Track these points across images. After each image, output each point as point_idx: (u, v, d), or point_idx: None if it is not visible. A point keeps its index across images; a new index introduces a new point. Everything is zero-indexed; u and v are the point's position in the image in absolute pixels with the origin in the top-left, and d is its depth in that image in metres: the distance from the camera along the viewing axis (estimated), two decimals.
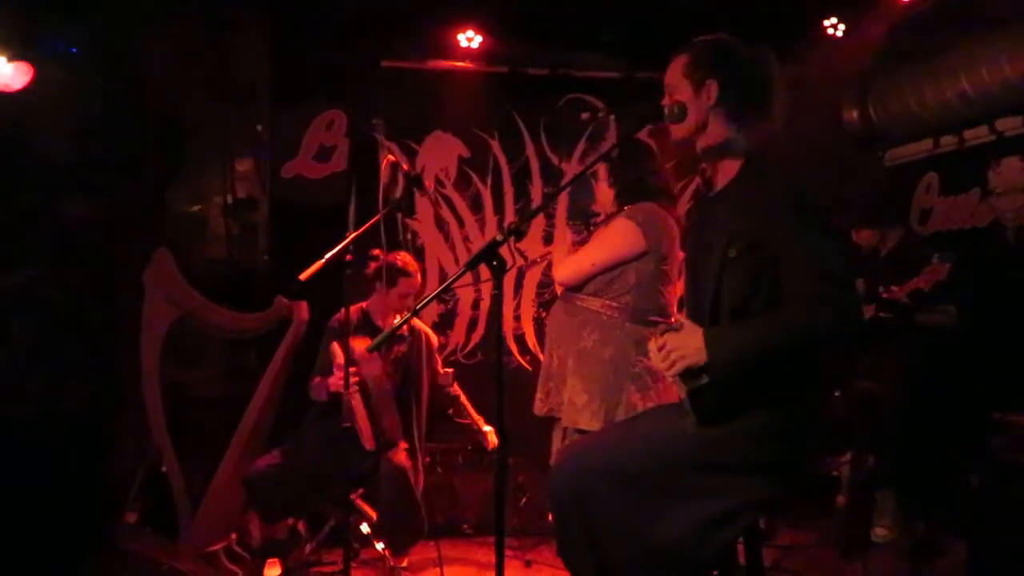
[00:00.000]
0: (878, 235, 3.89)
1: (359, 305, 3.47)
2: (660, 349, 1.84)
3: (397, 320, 3.41)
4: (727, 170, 1.99)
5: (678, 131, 2.01)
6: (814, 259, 1.75)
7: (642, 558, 1.85)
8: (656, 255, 2.77)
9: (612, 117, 2.84)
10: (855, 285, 1.79)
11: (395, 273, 3.39)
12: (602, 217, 2.96)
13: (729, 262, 1.86)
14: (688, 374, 1.80)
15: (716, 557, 1.94)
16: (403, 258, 3.43)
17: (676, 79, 2.00)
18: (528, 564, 3.49)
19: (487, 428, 3.59)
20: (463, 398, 3.66)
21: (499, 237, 1.89)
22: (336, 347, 3.25)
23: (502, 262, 1.89)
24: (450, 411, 3.65)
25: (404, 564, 3.31)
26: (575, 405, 2.73)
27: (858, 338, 1.87)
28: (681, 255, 2.85)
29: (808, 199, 1.83)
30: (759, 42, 2.00)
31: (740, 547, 2.08)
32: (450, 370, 3.67)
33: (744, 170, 1.95)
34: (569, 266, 2.85)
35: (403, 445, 3.34)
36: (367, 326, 3.45)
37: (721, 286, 1.87)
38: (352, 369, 3.05)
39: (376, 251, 3.34)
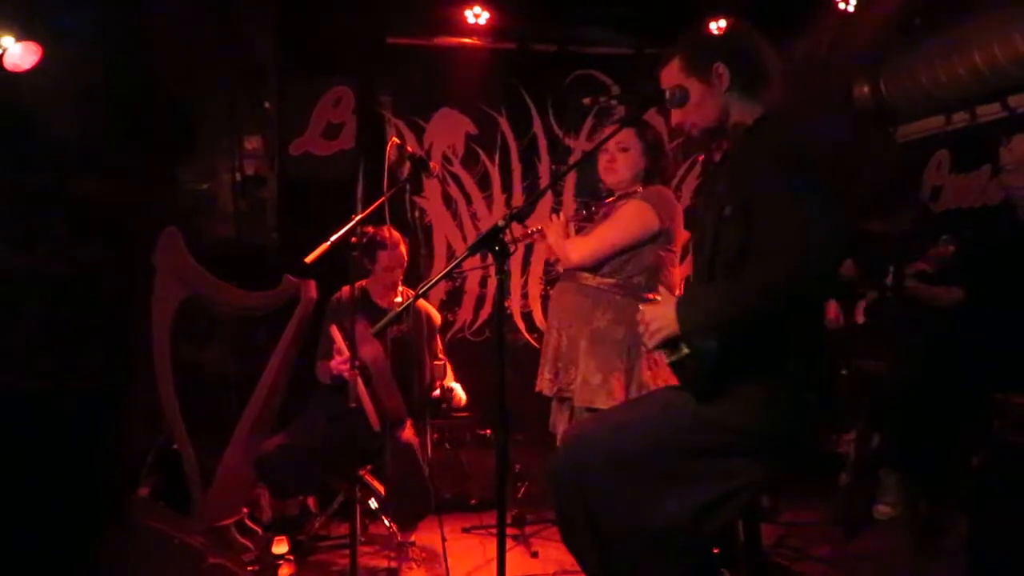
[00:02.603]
0: (888, 223, 3.85)
1: (358, 284, 3.47)
2: (639, 324, 1.87)
3: (398, 299, 3.42)
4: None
5: (700, 121, 2.00)
6: (788, 211, 1.72)
7: (642, 539, 1.88)
8: (668, 237, 2.79)
9: (614, 102, 2.82)
10: (829, 237, 1.71)
11: (374, 247, 3.37)
12: (616, 195, 2.94)
13: (723, 220, 1.87)
14: (669, 345, 1.82)
15: (716, 535, 1.98)
16: (383, 232, 3.35)
17: (678, 80, 1.99)
18: (534, 555, 3.47)
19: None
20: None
21: (501, 223, 1.90)
22: (334, 329, 3.28)
23: (504, 247, 1.90)
24: (443, 406, 3.53)
25: (411, 539, 3.36)
26: (590, 385, 2.75)
27: (825, 288, 1.84)
28: (685, 235, 2.87)
29: (801, 154, 1.80)
30: (761, 18, 2.01)
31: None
32: (440, 362, 3.57)
33: (746, 135, 1.95)
34: (587, 246, 2.84)
35: (410, 421, 3.38)
36: (366, 305, 3.46)
37: (717, 245, 1.89)
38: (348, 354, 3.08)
39: (366, 228, 3.29)
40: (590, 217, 3.06)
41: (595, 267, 2.82)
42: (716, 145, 2.05)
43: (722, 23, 1.98)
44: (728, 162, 2.01)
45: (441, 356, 3.68)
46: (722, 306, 1.78)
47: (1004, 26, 3.93)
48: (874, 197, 3.95)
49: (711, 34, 1.99)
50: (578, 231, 3.05)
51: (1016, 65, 3.92)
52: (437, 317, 3.71)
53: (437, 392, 3.48)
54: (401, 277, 3.51)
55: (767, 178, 1.79)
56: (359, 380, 2.97)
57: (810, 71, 4.74)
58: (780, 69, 1.98)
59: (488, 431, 4.21)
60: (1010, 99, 4.20)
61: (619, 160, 2.88)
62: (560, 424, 2.95)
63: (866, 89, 4.83)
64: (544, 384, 2.92)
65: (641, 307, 1.90)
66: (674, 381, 2.00)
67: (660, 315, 1.83)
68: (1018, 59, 3.89)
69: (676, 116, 2.05)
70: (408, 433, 3.31)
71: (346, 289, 3.45)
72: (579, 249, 2.85)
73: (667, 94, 1.98)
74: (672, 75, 2.01)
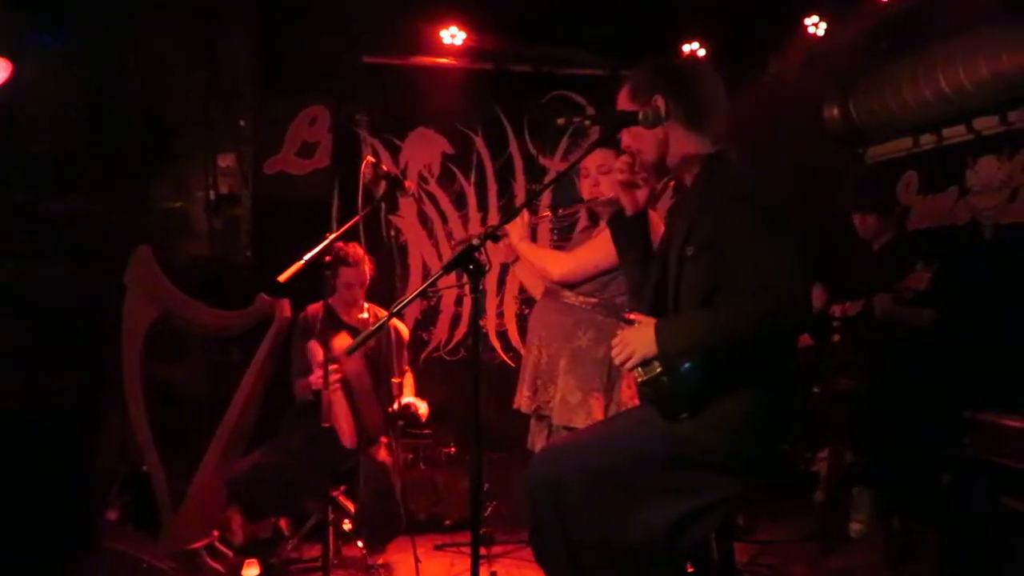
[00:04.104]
0: (881, 224, 3.86)
1: (324, 301, 3.43)
2: (616, 345, 1.90)
3: (363, 315, 3.40)
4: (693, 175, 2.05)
5: (647, 155, 2.08)
6: (761, 253, 1.79)
7: (617, 552, 1.89)
8: None
9: (587, 123, 2.85)
10: (802, 276, 1.81)
11: (337, 263, 3.35)
12: (587, 203, 2.94)
13: (686, 260, 1.92)
14: (644, 366, 1.86)
15: (690, 551, 1.98)
16: (347, 249, 3.35)
17: (626, 108, 2.06)
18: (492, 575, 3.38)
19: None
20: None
21: (475, 241, 1.90)
22: (314, 345, 3.26)
23: (479, 266, 1.90)
24: (400, 422, 3.42)
25: (380, 561, 3.32)
26: (568, 404, 2.74)
27: (802, 327, 1.94)
28: None
29: (760, 195, 1.87)
30: (733, 42, 2.06)
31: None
32: (396, 380, 3.50)
33: (701, 172, 2.01)
34: (568, 264, 2.83)
35: (384, 440, 3.35)
36: (332, 321, 3.42)
37: (680, 283, 1.94)
38: (334, 367, 3.06)
39: (336, 245, 3.29)
40: (562, 220, 3.04)
41: (575, 285, 2.83)
42: (686, 179, 2.08)
43: (669, 59, 2.03)
44: (686, 199, 2.05)
45: (406, 368, 3.65)
46: (705, 333, 1.83)
47: (969, 51, 4.02)
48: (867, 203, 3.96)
49: (653, 67, 2.06)
50: (557, 239, 3.04)
51: (981, 89, 4.02)
52: (405, 332, 3.69)
53: (395, 407, 3.44)
54: (362, 295, 3.49)
55: (732, 219, 1.85)
56: (340, 396, 2.95)
57: (781, 94, 4.82)
58: (725, 104, 2.04)
59: (453, 448, 4.18)
60: (975, 122, 4.30)
61: (603, 183, 2.88)
62: (539, 442, 2.93)
63: (836, 111, 4.92)
64: (523, 401, 2.90)
65: (619, 330, 1.93)
66: None
67: (638, 336, 1.87)
68: (982, 83, 3.98)
69: (625, 139, 2.12)
70: (383, 453, 3.29)
71: (312, 307, 3.45)
72: (560, 266, 2.84)
73: (640, 115, 2.00)
74: (623, 103, 2.08)
